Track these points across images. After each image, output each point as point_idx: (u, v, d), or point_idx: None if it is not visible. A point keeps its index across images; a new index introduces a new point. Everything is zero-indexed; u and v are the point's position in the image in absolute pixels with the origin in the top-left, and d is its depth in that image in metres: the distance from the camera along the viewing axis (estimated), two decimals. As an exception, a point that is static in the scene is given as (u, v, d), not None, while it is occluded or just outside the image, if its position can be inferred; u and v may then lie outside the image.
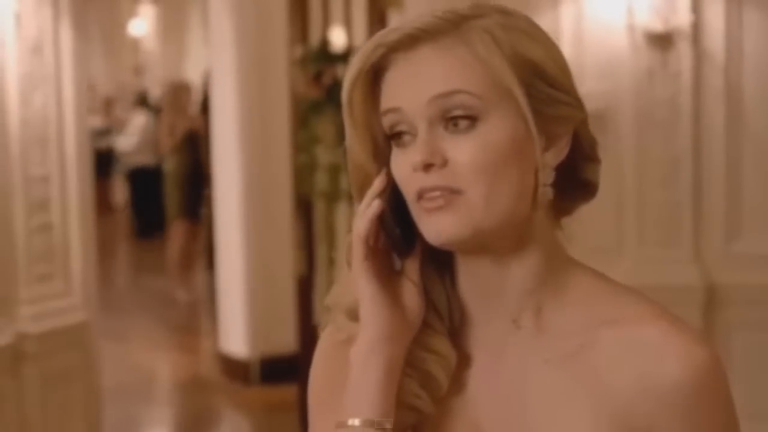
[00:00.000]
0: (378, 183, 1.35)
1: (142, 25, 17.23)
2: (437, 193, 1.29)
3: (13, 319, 4.54)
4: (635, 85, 4.68)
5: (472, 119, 1.29)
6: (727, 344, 4.55)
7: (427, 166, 1.28)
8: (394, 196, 1.34)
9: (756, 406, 4.51)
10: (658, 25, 4.61)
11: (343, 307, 1.40)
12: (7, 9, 4.45)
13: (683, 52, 4.63)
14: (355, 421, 1.31)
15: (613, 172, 4.52)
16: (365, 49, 1.33)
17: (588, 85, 4.26)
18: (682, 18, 4.61)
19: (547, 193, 1.32)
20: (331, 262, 6.01)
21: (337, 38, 6.07)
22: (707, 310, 4.66)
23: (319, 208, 6.01)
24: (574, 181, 1.38)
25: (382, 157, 1.36)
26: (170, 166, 9.89)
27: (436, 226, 1.30)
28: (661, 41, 4.62)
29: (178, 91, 10.15)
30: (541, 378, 1.34)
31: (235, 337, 7.09)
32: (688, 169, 4.71)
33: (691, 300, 4.57)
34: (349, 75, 1.34)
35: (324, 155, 5.82)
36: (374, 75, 1.34)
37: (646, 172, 4.70)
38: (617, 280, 1.39)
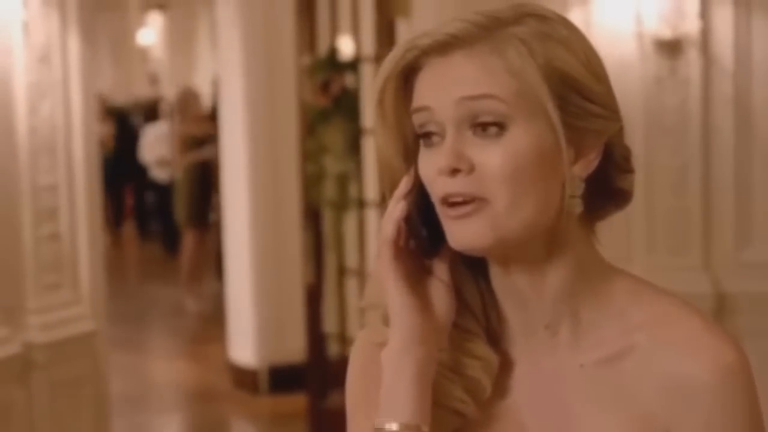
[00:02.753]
0: (404, 184, 1.34)
1: (150, 35, 17.26)
2: (460, 199, 1.28)
3: (21, 328, 4.53)
4: (644, 92, 4.66)
5: (501, 126, 1.28)
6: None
7: (453, 171, 1.28)
8: (421, 196, 1.33)
9: (765, 416, 4.49)
10: (666, 32, 4.60)
11: (378, 310, 1.38)
12: (14, 18, 4.45)
13: (692, 59, 4.62)
14: (393, 426, 1.30)
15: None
16: (397, 51, 1.32)
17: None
18: (691, 25, 4.60)
19: (575, 204, 1.31)
20: (339, 270, 6.01)
21: (345, 47, 6.07)
22: (717, 318, 4.64)
23: (328, 216, 6.01)
24: (607, 190, 1.37)
25: (411, 157, 1.35)
26: (179, 174, 9.89)
27: (459, 233, 1.29)
28: (670, 48, 4.61)
29: (186, 98, 10.14)
30: (577, 383, 1.34)
31: (243, 346, 7.08)
32: (697, 176, 4.69)
33: (701, 308, 4.54)
34: (380, 75, 1.33)
35: (332, 164, 5.81)
36: (406, 76, 1.33)
37: (655, 179, 4.69)
38: (651, 282, 1.39)
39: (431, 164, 1.30)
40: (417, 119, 1.32)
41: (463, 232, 1.29)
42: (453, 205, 1.29)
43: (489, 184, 1.27)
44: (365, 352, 1.42)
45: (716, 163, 4.71)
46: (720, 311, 4.66)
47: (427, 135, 1.32)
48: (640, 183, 4.57)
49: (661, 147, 4.69)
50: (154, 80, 16.48)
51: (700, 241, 4.72)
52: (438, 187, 1.30)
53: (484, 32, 1.29)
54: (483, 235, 1.28)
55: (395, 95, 1.34)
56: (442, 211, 1.31)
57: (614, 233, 4.88)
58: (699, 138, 4.68)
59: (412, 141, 1.35)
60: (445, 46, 1.29)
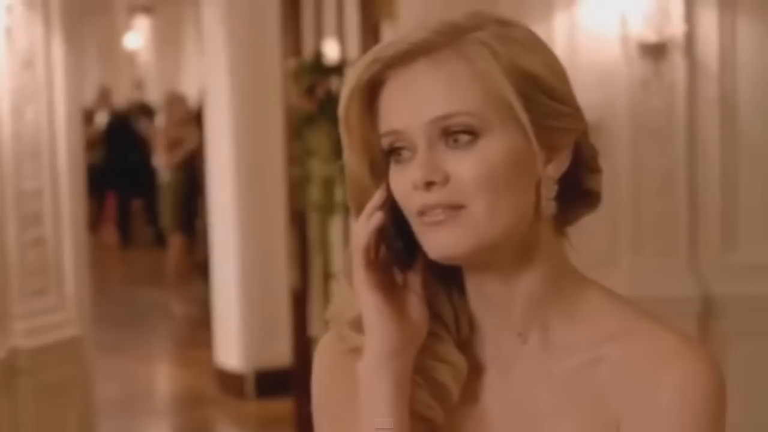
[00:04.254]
0: (378, 196, 1.34)
1: (137, 38, 17.23)
2: (439, 210, 1.28)
3: (6, 334, 4.52)
4: (629, 95, 4.67)
5: (473, 135, 1.28)
6: (723, 355, 4.53)
7: (429, 184, 1.28)
8: (393, 211, 1.33)
9: (752, 417, 4.49)
10: (651, 36, 4.60)
11: (346, 318, 1.38)
12: (-3, 23, 4.44)
13: (677, 62, 4.62)
14: None
15: (608, 182, 4.45)
16: (360, 64, 1.32)
17: (582, 96, 4.18)
18: (676, 28, 4.60)
19: (550, 207, 1.32)
20: (325, 274, 6.00)
21: (331, 51, 6.06)
22: (703, 320, 4.64)
23: (314, 220, 6.00)
24: (577, 192, 1.37)
25: (379, 173, 1.35)
26: (166, 178, 9.88)
27: (437, 241, 1.29)
28: (655, 51, 4.61)
29: (171, 101, 10.14)
30: (545, 390, 1.34)
31: (230, 350, 7.07)
32: (683, 178, 4.70)
33: (688, 310, 4.55)
34: (345, 91, 1.33)
35: (318, 168, 5.80)
36: (371, 90, 1.32)
37: (641, 182, 4.69)
38: (623, 295, 1.39)
39: (404, 179, 1.30)
40: (386, 141, 1.32)
41: (440, 240, 1.28)
42: (429, 215, 1.29)
43: (465, 192, 1.27)
44: (329, 360, 1.41)
45: (702, 165, 4.72)
46: (706, 313, 4.66)
47: (397, 151, 1.32)
48: (626, 185, 4.56)
49: (646, 150, 4.69)
50: (138, 84, 16.43)
51: (687, 243, 4.72)
52: (414, 201, 1.29)
53: (447, 39, 1.29)
54: (461, 243, 1.28)
55: (360, 112, 1.33)
56: (418, 222, 1.30)
57: (600, 236, 4.85)
58: (685, 141, 4.68)
59: (380, 157, 1.34)
60: (408, 55, 1.29)
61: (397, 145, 1.31)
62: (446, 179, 1.27)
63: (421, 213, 1.29)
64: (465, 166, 1.27)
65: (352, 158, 1.35)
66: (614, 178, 4.61)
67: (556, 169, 1.32)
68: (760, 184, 4.72)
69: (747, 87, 4.70)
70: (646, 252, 4.74)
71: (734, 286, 4.67)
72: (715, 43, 4.66)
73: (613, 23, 4.65)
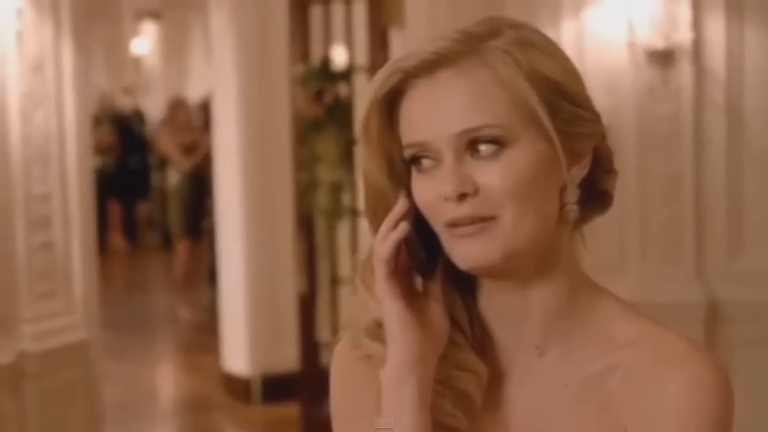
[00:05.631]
0: (401, 205, 1.33)
1: (144, 44, 17.24)
2: (469, 221, 1.28)
3: (14, 337, 4.53)
4: (636, 101, 4.67)
5: (500, 145, 1.28)
6: (729, 361, 4.53)
7: (461, 196, 1.27)
8: (414, 219, 1.33)
9: (758, 423, 4.49)
10: (658, 42, 4.61)
11: (361, 326, 1.38)
12: (8, 27, 4.46)
13: (684, 68, 4.63)
14: None
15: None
16: (382, 74, 1.31)
17: (589, 102, 4.23)
18: (683, 35, 4.61)
19: (573, 211, 1.32)
20: (332, 279, 6.01)
21: (338, 56, 6.07)
22: (709, 326, 4.64)
23: (321, 225, 6.01)
24: (592, 193, 1.37)
25: (398, 180, 1.35)
26: (173, 183, 9.89)
27: (468, 253, 1.29)
28: (662, 58, 4.62)
29: (175, 107, 10.16)
30: (561, 401, 1.34)
31: (236, 355, 7.07)
32: (689, 185, 4.70)
33: (693, 317, 4.56)
34: (365, 102, 1.33)
35: (325, 173, 5.81)
36: (391, 100, 1.32)
37: (648, 188, 4.70)
38: (630, 302, 1.39)
39: (431, 190, 1.30)
40: (409, 151, 1.32)
41: (471, 251, 1.29)
42: (458, 225, 1.29)
43: (496, 202, 1.27)
44: (347, 366, 1.41)
45: (708, 171, 4.72)
46: (712, 320, 4.66)
47: (418, 160, 1.31)
48: (632, 191, 4.55)
49: (653, 156, 4.70)
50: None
51: (693, 249, 4.72)
52: (442, 212, 1.29)
53: (468, 47, 1.29)
54: (492, 253, 1.28)
55: (380, 120, 1.33)
56: (446, 233, 1.30)
57: (607, 242, 4.85)
58: (691, 147, 4.69)
59: (399, 163, 1.34)
60: (431, 64, 1.29)
61: (421, 155, 1.31)
62: (476, 190, 1.27)
63: (452, 224, 1.29)
64: (493, 176, 1.27)
65: (371, 167, 1.35)
66: (621, 184, 4.57)
67: (578, 173, 1.33)
68: (766, 190, 4.73)
69: (753, 94, 4.70)
70: (652, 258, 4.75)
71: (740, 293, 4.68)
72: (722, 49, 4.67)
73: (620, 29, 4.66)
